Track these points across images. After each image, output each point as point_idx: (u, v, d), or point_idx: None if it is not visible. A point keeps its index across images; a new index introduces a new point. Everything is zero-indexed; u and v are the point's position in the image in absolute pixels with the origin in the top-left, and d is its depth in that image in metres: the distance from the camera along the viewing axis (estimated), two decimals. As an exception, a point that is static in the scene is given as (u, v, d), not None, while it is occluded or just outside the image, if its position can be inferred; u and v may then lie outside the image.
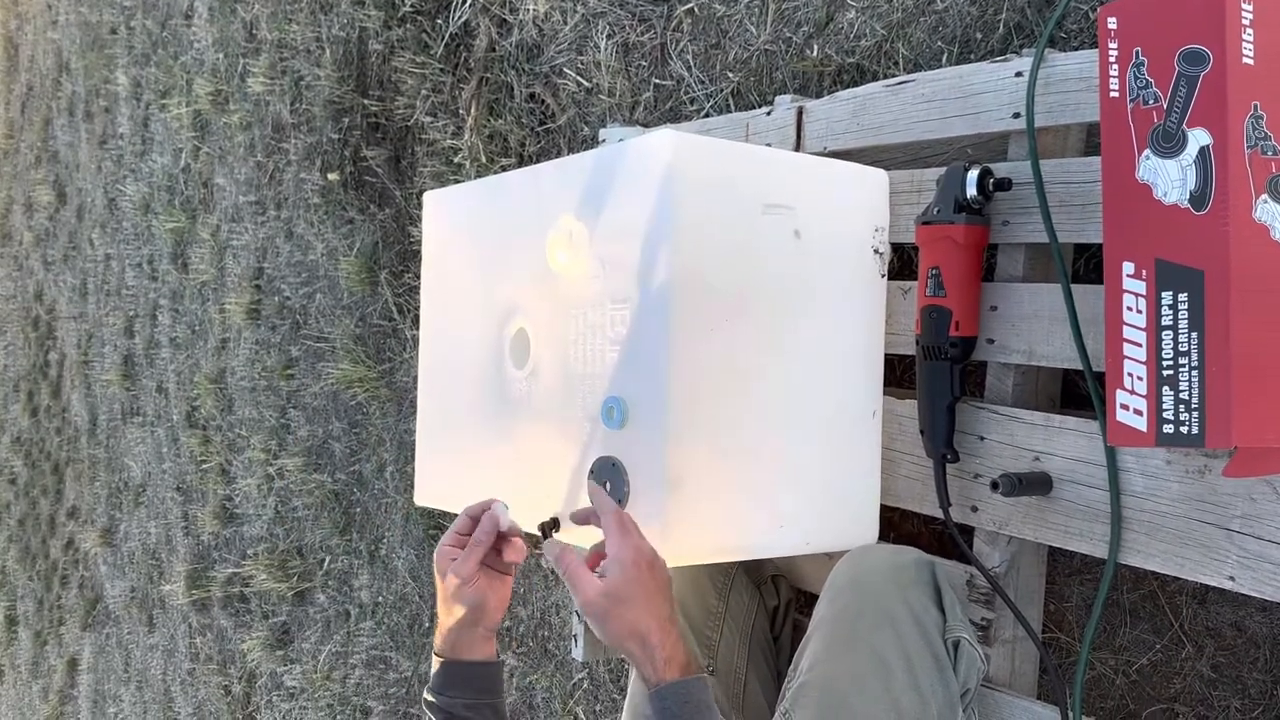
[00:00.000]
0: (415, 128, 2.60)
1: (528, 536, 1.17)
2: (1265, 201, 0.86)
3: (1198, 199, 0.88)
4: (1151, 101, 0.92)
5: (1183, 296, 0.89)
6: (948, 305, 1.17)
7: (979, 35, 1.40)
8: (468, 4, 2.37)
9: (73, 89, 5.57)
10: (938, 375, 1.19)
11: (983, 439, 1.19)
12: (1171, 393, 0.90)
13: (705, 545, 1.15)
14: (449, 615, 1.14)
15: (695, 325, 1.11)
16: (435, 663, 1.15)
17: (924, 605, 1.10)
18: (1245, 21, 0.86)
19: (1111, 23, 0.95)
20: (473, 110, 2.32)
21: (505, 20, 2.28)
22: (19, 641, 6.29)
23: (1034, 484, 1.11)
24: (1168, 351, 0.90)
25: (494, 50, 2.30)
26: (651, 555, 1.04)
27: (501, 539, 1.14)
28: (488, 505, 1.15)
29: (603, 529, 1.05)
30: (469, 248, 1.43)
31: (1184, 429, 0.89)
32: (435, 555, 1.16)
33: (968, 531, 1.21)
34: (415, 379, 2.27)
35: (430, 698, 1.14)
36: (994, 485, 1.10)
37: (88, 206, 5.29)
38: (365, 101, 2.79)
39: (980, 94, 1.20)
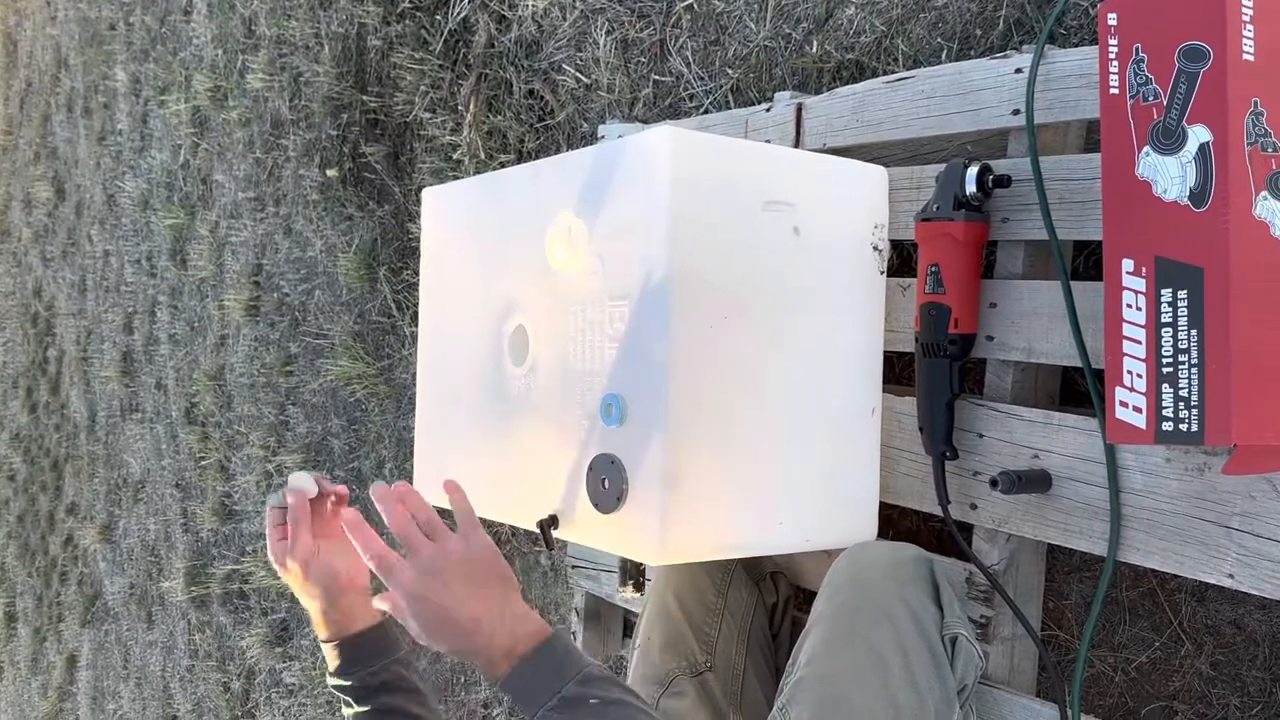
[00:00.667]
0: (414, 124, 2.60)
1: (526, 535, 1.17)
2: (1265, 198, 0.86)
3: (1197, 196, 0.88)
4: (1151, 98, 0.91)
5: (1182, 294, 0.89)
6: (947, 302, 1.17)
7: (979, 31, 1.40)
8: (467, 0, 2.36)
9: (71, 85, 5.57)
10: (937, 372, 1.19)
11: (982, 436, 1.19)
12: (1171, 390, 0.90)
13: (704, 543, 1.15)
14: (313, 601, 1.14)
15: (694, 322, 1.11)
16: (328, 650, 1.15)
17: (922, 602, 1.10)
18: (1246, 17, 0.86)
19: (1111, 19, 0.95)
20: (472, 106, 2.32)
21: (504, 16, 2.28)
22: (18, 638, 6.29)
23: (1033, 481, 1.11)
24: (1167, 349, 0.90)
25: (493, 46, 2.30)
26: (430, 561, 0.97)
27: (318, 502, 1.15)
28: (285, 491, 1.15)
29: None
30: (468, 245, 1.43)
31: (1183, 426, 0.89)
32: (270, 556, 1.16)
33: (967, 529, 1.21)
34: (414, 376, 2.27)
35: (337, 682, 1.14)
36: (993, 483, 1.10)
37: (86, 203, 5.28)
38: (364, 98, 2.78)
39: (980, 90, 1.20)
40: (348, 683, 1.13)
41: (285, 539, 1.14)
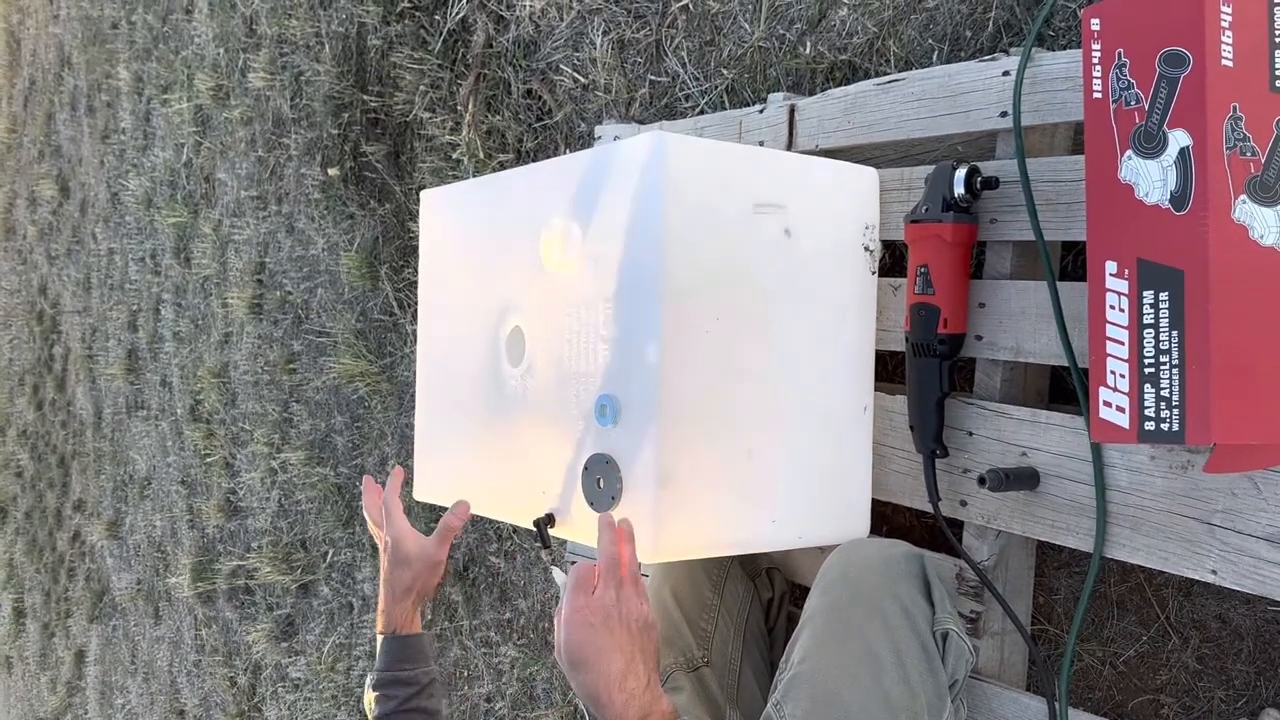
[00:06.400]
0: (414, 123, 2.61)
1: (527, 532, 1.20)
2: (1244, 202, 0.88)
3: (1178, 199, 0.89)
4: (1133, 102, 0.93)
5: (1164, 295, 0.90)
6: (936, 302, 1.18)
7: (969, 33, 1.41)
8: (465, 0, 2.38)
9: (75, 83, 5.58)
10: (927, 371, 1.20)
11: (971, 434, 1.20)
12: (1153, 390, 0.91)
13: (698, 541, 1.17)
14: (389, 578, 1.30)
15: (687, 324, 1.12)
16: (383, 641, 1.28)
17: (913, 598, 1.11)
18: (1225, 24, 0.87)
19: (1094, 24, 0.96)
20: (470, 106, 2.34)
21: (502, 16, 2.29)
22: (27, 633, 6.33)
23: (1021, 479, 1.12)
24: (1149, 350, 0.91)
25: (491, 46, 2.31)
26: (606, 609, 1.02)
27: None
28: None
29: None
30: (465, 247, 1.45)
31: (1165, 426, 0.91)
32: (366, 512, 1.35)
33: (957, 525, 1.23)
34: (415, 374, 2.29)
35: (391, 675, 1.24)
36: (981, 480, 1.12)
37: (91, 201, 5.30)
38: (365, 97, 2.80)
39: (969, 93, 1.21)
40: (399, 676, 1.24)
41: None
